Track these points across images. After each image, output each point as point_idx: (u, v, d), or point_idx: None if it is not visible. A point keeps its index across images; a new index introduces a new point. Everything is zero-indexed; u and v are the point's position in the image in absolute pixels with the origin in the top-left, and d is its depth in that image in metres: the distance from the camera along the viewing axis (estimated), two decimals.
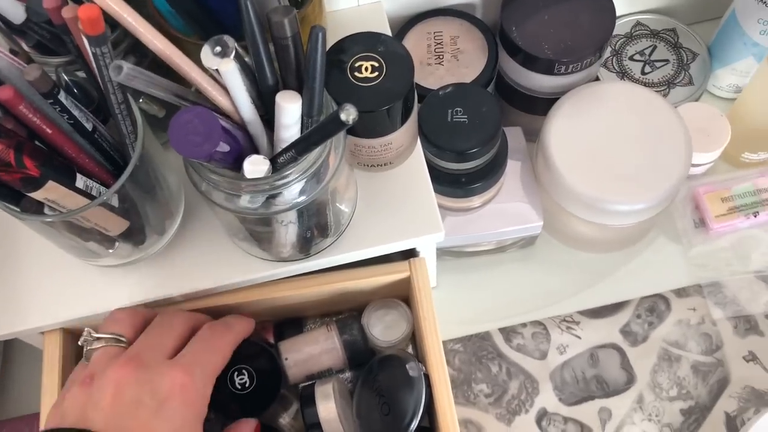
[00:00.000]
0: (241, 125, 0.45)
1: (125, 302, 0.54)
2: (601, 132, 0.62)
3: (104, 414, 0.42)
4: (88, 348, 0.47)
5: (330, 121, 0.37)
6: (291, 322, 0.62)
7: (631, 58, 0.74)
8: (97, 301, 0.54)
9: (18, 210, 0.44)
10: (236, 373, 0.54)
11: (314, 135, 0.40)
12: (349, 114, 0.35)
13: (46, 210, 0.45)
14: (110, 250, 0.52)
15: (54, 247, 0.53)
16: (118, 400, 0.42)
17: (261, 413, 0.54)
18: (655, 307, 0.66)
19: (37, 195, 0.43)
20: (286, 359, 0.58)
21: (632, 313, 0.66)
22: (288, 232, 0.51)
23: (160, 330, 0.48)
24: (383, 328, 0.60)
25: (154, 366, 0.44)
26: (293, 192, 0.46)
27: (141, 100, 0.51)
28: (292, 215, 0.49)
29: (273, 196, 0.46)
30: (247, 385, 0.54)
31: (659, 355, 0.64)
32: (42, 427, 0.46)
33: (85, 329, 0.47)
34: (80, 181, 0.45)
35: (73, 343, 0.57)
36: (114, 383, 0.43)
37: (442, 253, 0.68)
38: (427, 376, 0.55)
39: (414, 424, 0.54)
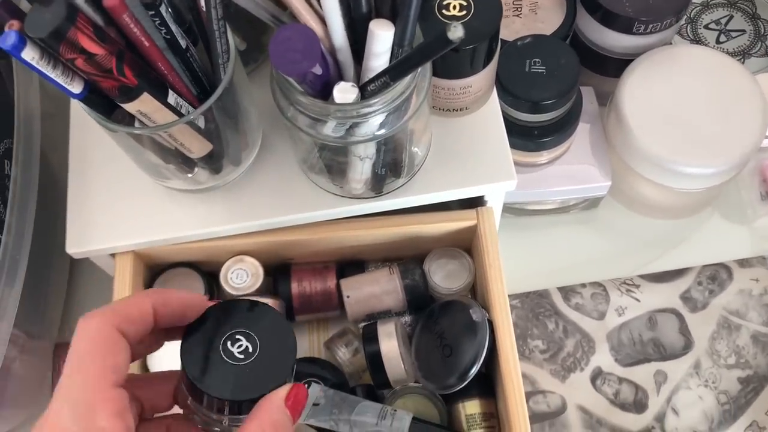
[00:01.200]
0: (332, 52, 0.46)
1: (197, 230, 0.55)
2: (675, 94, 0.61)
3: None
4: None
5: (436, 39, 0.37)
6: (353, 264, 0.63)
7: (706, 27, 0.73)
8: (170, 226, 0.55)
9: (110, 120, 0.45)
10: (229, 342, 0.35)
11: (415, 56, 0.40)
12: (456, 32, 0.35)
13: (137, 124, 0.46)
14: (189, 175, 0.52)
15: (129, 170, 0.54)
16: None
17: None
18: (716, 275, 0.65)
19: (131, 106, 0.44)
20: (348, 296, 0.58)
21: (693, 280, 0.65)
22: (364, 166, 0.51)
23: None
24: (444, 276, 0.60)
25: None
26: (375, 124, 0.47)
27: None
28: (371, 149, 0.49)
29: (356, 125, 0.46)
30: (250, 350, 0.36)
31: (719, 323, 0.64)
32: None
33: None
34: (172, 98, 0.45)
35: (143, 267, 0.58)
36: None
37: (504, 210, 0.67)
38: (490, 322, 0.55)
39: (475, 368, 0.54)
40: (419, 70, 0.46)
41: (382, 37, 0.43)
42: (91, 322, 0.32)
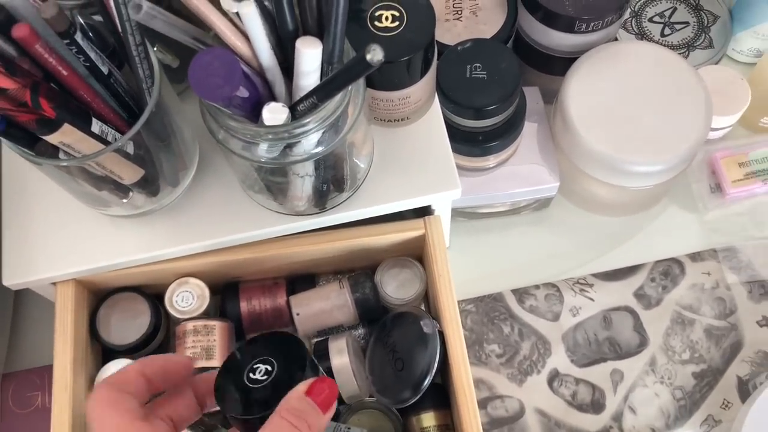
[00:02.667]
0: (260, 72, 0.44)
1: (139, 255, 0.54)
2: (620, 92, 0.61)
3: None
4: None
5: (355, 62, 0.36)
6: (303, 278, 0.62)
7: (650, 20, 0.72)
8: (112, 252, 0.54)
9: (33, 154, 0.43)
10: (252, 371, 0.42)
11: (338, 78, 0.39)
12: (375, 54, 0.35)
13: (61, 155, 0.44)
14: (124, 200, 0.51)
15: (67, 198, 0.53)
16: None
17: None
18: (669, 270, 0.65)
19: (53, 138, 0.42)
20: (298, 314, 0.58)
21: (646, 277, 0.65)
22: (304, 184, 0.50)
23: None
24: (396, 287, 0.60)
25: None
26: (311, 142, 0.46)
27: (156, 49, 0.50)
28: (309, 167, 0.48)
29: (291, 146, 0.45)
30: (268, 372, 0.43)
31: (672, 319, 0.64)
32: None
33: None
34: (96, 126, 0.44)
35: (86, 294, 0.56)
36: None
37: (456, 214, 0.67)
38: (441, 333, 0.54)
39: (428, 380, 0.53)
40: (350, 86, 0.45)
41: (309, 55, 0.42)
42: (94, 396, 0.36)
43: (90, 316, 0.57)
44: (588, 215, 0.68)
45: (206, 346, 0.56)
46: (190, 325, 0.56)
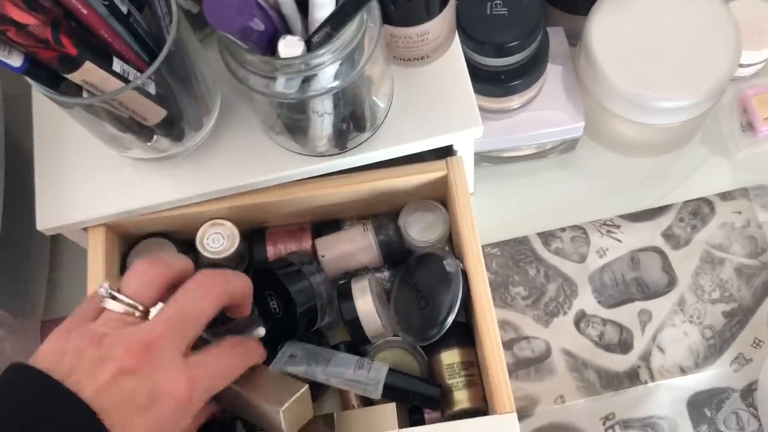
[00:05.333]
0: (276, 6, 0.45)
1: (165, 198, 0.55)
2: (645, 28, 0.59)
3: (96, 388, 0.38)
4: (104, 306, 0.42)
5: None
6: (328, 224, 0.62)
7: None
8: (139, 196, 0.55)
9: (57, 93, 0.44)
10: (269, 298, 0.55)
11: (349, 4, 0.39)
12: None
13: (84, 95, 0.45)
14: (148, 143, 0.52)
15: (96, 144, 0.54)
16: (116, 383, 0.38)
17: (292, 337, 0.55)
18: (698, 210, 0.64)
19: (75, 76, 0.43)
20: (323, 256, 0.58)
21: (675, 217, 0.64)
22: (324, 122, 0.50)
23: (186, 311, 0.42)
24: (420, 229, 0.60)
25: (164, 364, 0.40)
26: (328, 76, 0.46)
27: None
28: (328, 103, 0.48)
29: (308, 80, 0.46)
30: (277, 311, 0.55)
31: (702, 258, 0.63)
32: (45, 341, 0.41)
33: (104, 285, 0.43)
34: (117, 65, 0.45)
35: (116, 239, 0.58)
36: (119, 366, 0.39)
37: (480, 159, 0.67)
38: (464, 272, 0.55)
39: (450, 318, 0.54)
40: (365, 17, 0.45)
41: None
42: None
43: (121, 262, 0.58)
44: (615, 157, 0.67)
45: None
46: None
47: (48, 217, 0.55)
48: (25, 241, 0.63)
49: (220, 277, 0.44)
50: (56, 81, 0.45)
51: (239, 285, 0.46)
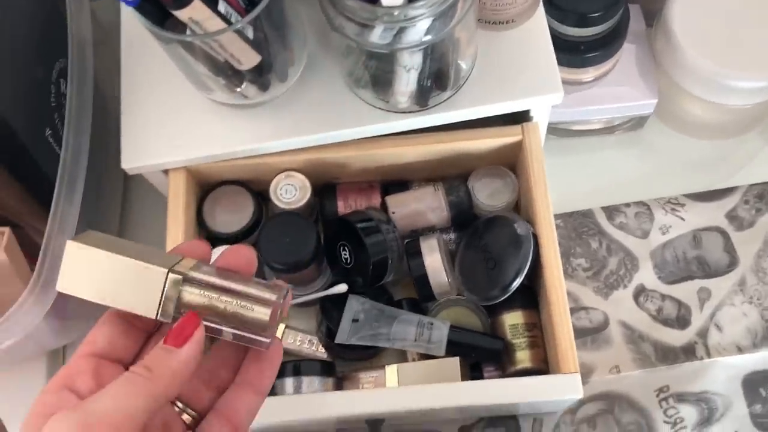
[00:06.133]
0: None
1: (245, 146, 0.56)
2: (727, 6, 0.60)
3: None
4: None
5: None
6: (397, 184, 0.63)
7: None
8: (220, 142, 0.57)
9: (163, 29, 0.46)
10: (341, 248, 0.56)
11: None
12: None
13: (188, 32, 0.47)
14: (237, 89, 0.53)
15: (182, 89, 0.56)
16: None
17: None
18: (764, 194, 0.65)
19: (183, 13, 0.45)
20: (393, 213, 0.59)
21: (740, 199, 0.65)
22: (410, 77, 0.51)
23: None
24: (488, 194, 0.61)
25: None
26: (421, 29, 0.47)
27: None
28: (417, 58, 0.49)
29: (401, 31, 0.47)
30: (348, 261, 0.57)
31: (765, 241, 0.63)
32: None
33: None
34: (222, 6, 0.46)
35: (194, 184, 0.59)
36: None
37: (549, 131, 0.67)
38: (535, 236, 0.56)
39: (518, 281, 0.55)
40: None
41: None
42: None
43: (197, 206, 0.60)
44: (683, 138, 0.68)
45: None
46: None
47: (133, 158, 0.57)
48: (101, 181, 0.65)
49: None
50: (162, 19, 0.46)
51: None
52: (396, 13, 0.45)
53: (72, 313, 0.64)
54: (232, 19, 0.47)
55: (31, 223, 0.58)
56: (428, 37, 0.47)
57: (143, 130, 0.57)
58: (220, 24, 0.46)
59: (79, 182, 0.57)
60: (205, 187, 0.61)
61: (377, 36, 0.47)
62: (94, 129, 0.60)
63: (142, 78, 0.58)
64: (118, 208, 0.69)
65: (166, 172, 0.58)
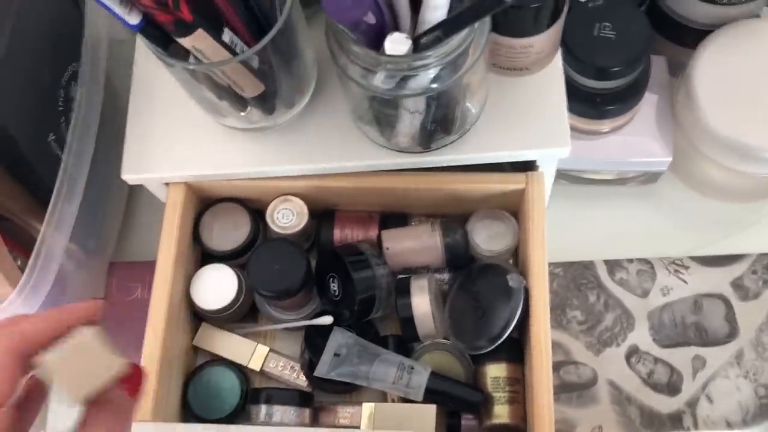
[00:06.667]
0: (388, 1, 0.45)
1: (247, 168, 0.56)
2: (753, 72, 0.58)
3: None
4: None
5: None
6: (396, 217, 0.63)
7: None
8: (222, 162, 0.56)
9: (166, 54, 0.46)
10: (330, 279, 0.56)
11: (467, 13, 0.39)
12: None
13: (191, 59, 0.47)
14: (242, 113, 0.53)
15: (190, 106, 0.55)
16: None
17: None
18: None
19: (186, 41, 0.44)
20: (387, 248, 0.59)
21: (748, 268, 0.63)
22: (413, 120, 0.50)
23: None
24: (487, 238, 0.60)
25: None
26: (427, 77, 0.46)
27: None
28: (421, 103, 0.49)
29: (407, 79, 0.46)
30: (336, 293, 0.56)
31: None
32: None
33: None
34: (227, 36, 0.46)
35: (194, 198, 0.59)
36: None
37: (559, 176, 0.66)
38: (527, 290, 0.55)
39: (506, 334, 0.54)
40: (476, 25, 0.45)
41: None
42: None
43: (195, 221, 0.60)
44: (697, 197, 0.66)
45: None
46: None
47: (133, 169, 0.57)
48: (106, 184, 0.65)
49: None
50: (166, 42, 0.46)
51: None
52: (401, 61, 0.44)
53: None
54: (237, 49, 0.47)
55: (27, 220, 0.59)
56: (434, 86, 0.46)
57: (147, 142, 0.57)
58: (225, 53, 0.46)
59: (79, 185, 0.57)
60: (206, 201, 0.61)
61: (380, 81, 0.46)
62: (103, 130, 0.60)
63: (152, 89, 0.58)
64: (121, 210, 0.69)
65: (167, 183, 0.58)
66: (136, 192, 0.70)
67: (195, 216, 0.60)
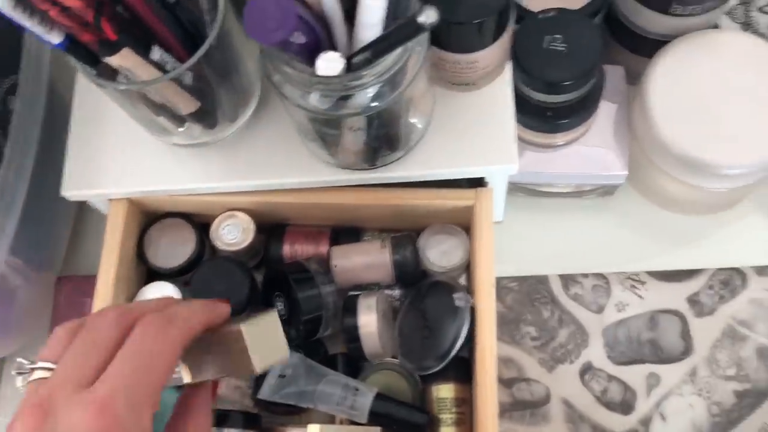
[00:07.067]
0: (322, 18, 0.43)
1: (191, 184, 0.55)
2: (710, 85, 0.56)
3: None
4: (26, 382, 0.36)
5: (407, 23, 0.35)
6: (349, 231, 0.61)
7: (760, 10, 0.67)
8: (165, 178, 0.55)
9: (94, 73, 0.44)
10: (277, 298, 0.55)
11: (390, 38, 0.38)
12: (428, 17, 0.33)
13: (120, 78, 0.45)
14: (180, 129, 0.52)
15: (131, 123, 0.54)
16: None
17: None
18: (730, 280, 0.62)
19: (112, 60, 0.43)
20: (335, 266, 0.58)
21: (704, 283, 0.62)
22: (356, 138, 0.49)
23: (80, 349, 0.35)
24: (439, 253, 0.59)
25: (61, 408, 0.32)
26: (366, 96, 0.45)
27: None
28: (362, 121, 0.47)
29: (345, 98, 0.44)
30: (282, 312, 0.55)
31: (724, 332, 0.60)
32: None
33: (17, 360, 0.37)
34: (156, 53, 0.44)
35: (137, 214, 0.58)
36: None
37: (515, 189, 0.65)
38: (473, 309, 0.53)
39: (452, 354, 0.53)
40: (410, 43, 0.43)
41: (372, 8, 0.41)
42: (175, 334, 0.36)
43: (139, 237, 0.59)
44: (654, 209, 0.65)
45: None
46: None
47: (74, 185, 0.55)
48: (52, 197, 0.64)
49: (165, 329, 0.36)
50: (95, 59, 0.44)
51: (196, 319, 0.37)
52: (335, 82, 0.42)
53: (15, 328, 0.63)
54: (168, 66, 0.45)
55: None
56: (375, 104, 0.45)
57: (89, 159, 0.56)
58: (154, 72, 0.45)
59: (18, 198, 0.55)
60: (149, 216, 0.60)
61: (316, 100, 0.45)
62: (47, 143, 0.59)
63: (95, 104, 0.57)
64: (69, 224, 0.67)
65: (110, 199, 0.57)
66: (85, 205, 0.69)
67: (139, 232, 0.59)
